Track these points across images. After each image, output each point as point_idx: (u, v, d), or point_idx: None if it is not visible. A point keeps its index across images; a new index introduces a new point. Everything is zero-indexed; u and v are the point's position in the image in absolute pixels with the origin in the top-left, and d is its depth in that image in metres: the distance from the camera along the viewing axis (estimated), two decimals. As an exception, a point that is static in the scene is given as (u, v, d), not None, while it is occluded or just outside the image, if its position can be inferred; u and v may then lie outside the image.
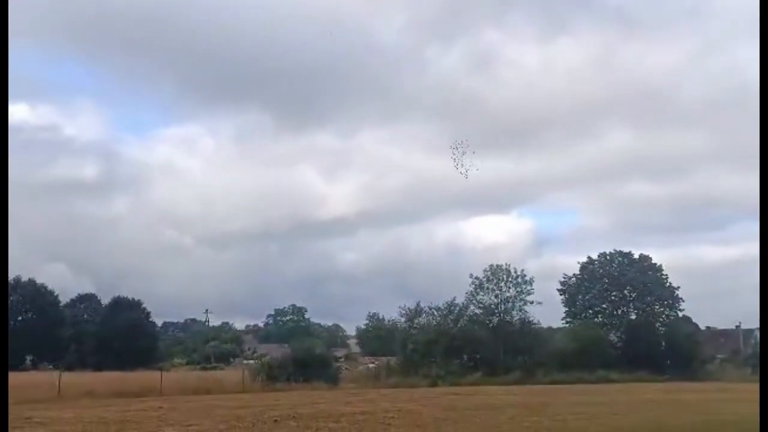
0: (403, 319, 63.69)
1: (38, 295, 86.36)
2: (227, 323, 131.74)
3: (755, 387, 27.20)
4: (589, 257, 73.19)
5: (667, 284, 70.07)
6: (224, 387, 42.43)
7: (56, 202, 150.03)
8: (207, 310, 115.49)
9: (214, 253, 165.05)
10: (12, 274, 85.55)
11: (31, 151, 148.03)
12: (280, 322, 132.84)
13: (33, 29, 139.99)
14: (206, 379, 46.64)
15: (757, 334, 77.29)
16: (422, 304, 61.87)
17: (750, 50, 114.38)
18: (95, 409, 27.53)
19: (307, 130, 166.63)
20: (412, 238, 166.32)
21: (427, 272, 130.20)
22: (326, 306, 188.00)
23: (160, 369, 54.55)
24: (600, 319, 69.98)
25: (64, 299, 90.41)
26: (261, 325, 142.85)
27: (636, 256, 72.05)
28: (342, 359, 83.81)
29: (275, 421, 22.81)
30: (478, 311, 62.23)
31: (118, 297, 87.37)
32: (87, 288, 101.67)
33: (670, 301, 69.80)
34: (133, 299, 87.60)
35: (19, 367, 74.97)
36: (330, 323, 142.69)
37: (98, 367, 68.42)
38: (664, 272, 70.74)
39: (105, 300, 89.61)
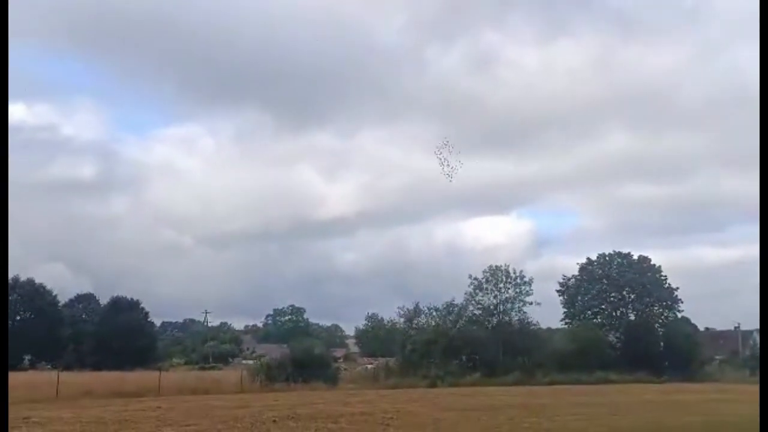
0: (402, 320, 63.80)
1: (37, 294, 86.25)
2: (226, 323, 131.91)
3: (754, 388, 27.25)
4: (588, 258, 73.37)
5: (666, 285, 70.11)
6: (223, 387, 42.37)
7: (55, 201, 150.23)
8: (206, 310, 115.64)
9: (213, 253, 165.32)
10: (10, 274, 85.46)
11: (30, 151, 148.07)
12: (279, 323, 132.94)
13: (31, 28, 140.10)
14: (205, 380, 46.58)
15: (756, 335, 77.39)
16: (421, 305, 62.01)
17: (749, 51, 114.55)
18: (93, 409, 27.48)
19: (306, 130, 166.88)
20: (411, 239, 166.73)
21: (427, 273, 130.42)
22: (325, 306, 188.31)
23: (159, 369, 54.47)
24: (599, 320, 70.00)
25: (62, 299, 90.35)
26: (260, 325, 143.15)
27: (635, 257, 72.13)
28: (341, 360, 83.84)
29: (274, 421, 22.78)
30: (477, 312, 62.25)
31: (117, 297, 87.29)
32: (86, 288, 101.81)
33: (669, 303, 69.84)
34: (131, 299, 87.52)
35: (18, 366, 74.88)
36: (329, 323, 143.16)
37: (97, 367, 68.31)
38: (663, 273, 70.84)
39: (104, 300, 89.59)
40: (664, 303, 69.88)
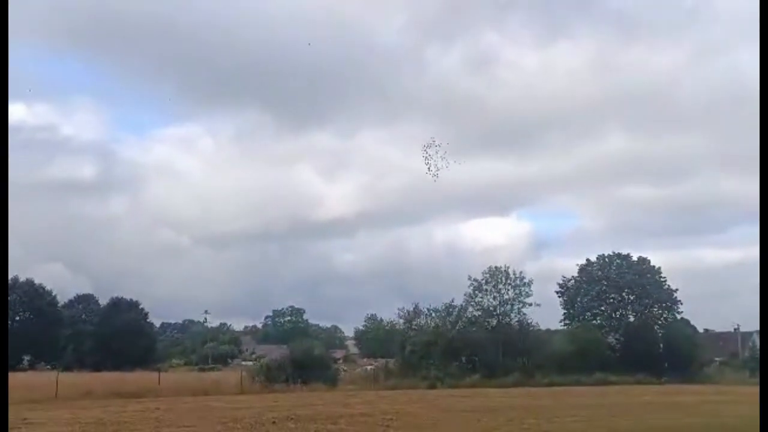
0: (401, 321, 63.69)
1: (36, 295, 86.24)
2: (225, 324, 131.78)
3: (753, 390, 27.23)
4: (587, 259, 73.32)
5: (666, 287, 70.08)
6: (222, 388, 42.34)
7: (54, 202, 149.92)
8: (205, 311, 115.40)
9: (212, 253, 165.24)
10: (10, 274, 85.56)
11: (29, 151, 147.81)
12: (279, 323, 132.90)
13: (31, 28, 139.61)
14: (204, 380, 46.61)
15: (756, 337, 77.35)
16: (421, 306, 61.91)
17: (749, 52, 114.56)
18: (93, 409, 27.48)
19: (306, 130, 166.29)
20: (411, 240, 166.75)
21: (426, 274, 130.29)
22: (325, 307, 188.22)
23: (158, 370, 54.45)
24: (598, 322, 69.95)
25: (62, 299, 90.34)
26: (259, 326, 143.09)
27: (634, 258, 72.10)
28: (340, 361, 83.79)
29: (273, 422, 22.78)
30: (476, 313, 62.19)
31: (117, 297, 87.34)
32: (85, 288, 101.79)
33: (669, 304, 69.79)
34: (131, 300, 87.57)
35: (17, 367, 74.85)
36: (328, 324, 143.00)
37: (96, 368, 68.33)
38: (662, 275, 70.80)
39: (103, 300, 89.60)
40: (664, 304, 69.84)
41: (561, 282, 72.34)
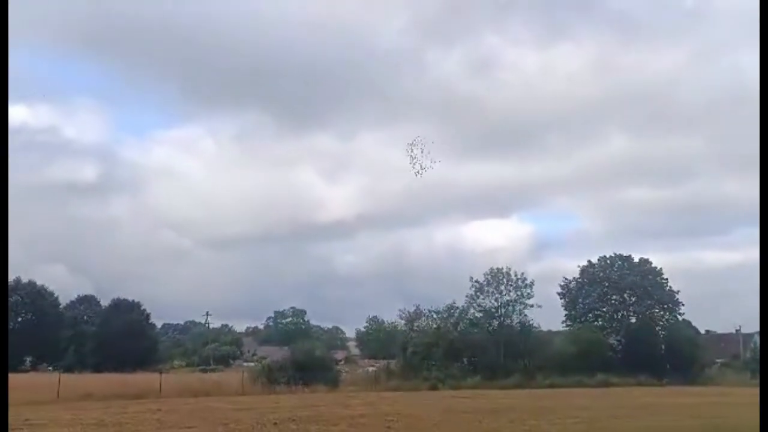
0: (402, 322, 63.72)
1: (38, 296, 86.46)
2: (227, 325, 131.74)
3: (755, 391, 27.16)
4: (589, 261, 73.22)
5: (667, 288, 69.98)
6: (224, 389, 42.35)
7: (56, 203, 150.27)
8: (207, 312, 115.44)
9: (214, 255, 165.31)
10: (12, 276, 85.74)
11: (31, 153, 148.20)
12: (280, 325, 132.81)
13: (33, 30, 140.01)
14: (206, 382, 46.63)
15: (757, 338, 77.24)
16: (422, 307, 61.89)
17: (750, 53, 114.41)
18: (94, 411, 27.49)
19: (307, 132, 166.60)
20: (412, 241, 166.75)
21: (427, 275, 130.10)
22: (326, 308, 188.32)
23: (160, 371, 54.52)
24: (600, 323, 69.87)
25: (63, 301, 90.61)
26: (261, 327, 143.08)
27: (636, 259, 72.02)
28: (342, 362, 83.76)
29: (275, 423, 22.80)
30: (478, 314, 62.11)
31: (118, 299, 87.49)
32: (86, 290, 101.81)
33: (670, 305, 69.69)
34: (132, 301, 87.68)
35: (19, 368, 75.00)
36: (330, 326, 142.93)
37: (97, 369, 68.44)
38: (663, 276, 70.69)
39: (105, 302, 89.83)
40: (665, 306, 69.74)
41: (562, 283, 72.34)
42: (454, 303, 61.58)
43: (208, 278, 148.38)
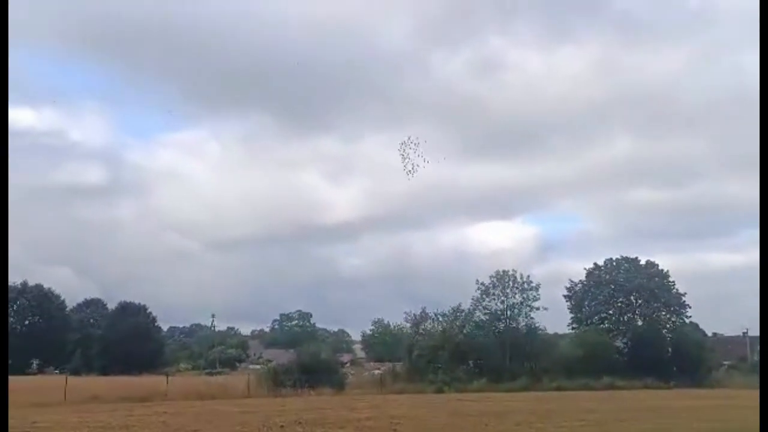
0: (408, 325, 63.62)
1: (45, 299, 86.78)
2: (233, 328, 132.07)
3: (763, 394, 27.02)
4: (595, 263, 72.96)
5: (674, 290, 69.70)
6: (230, 392, 42.42)
7: (62, 206, 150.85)
8: (213, 315, 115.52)
9: (219, 257, 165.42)
10: (19, 279, 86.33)
11: (37, 156, 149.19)
12: (286, 327, 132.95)
13: (39, 34, 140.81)
14: (212, 384, 46.66)
15: (766, 340, 76.84)
16: (428, 310, 61.72)
17: (754, 54, 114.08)
18: (100, 413, 27.57)
19: (311, 134, 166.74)
20: (416, 244, 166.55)
21: (432, 278, 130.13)
22: (331, 311, 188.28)
23: (166, 374, 54.53)
24: (606, 326, 69.62)
25: (70, 304, 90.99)
26: (267, 330, 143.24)
27: (642, 262, 71.77)
28: (347, 365, 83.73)
29: (281, 426, 22.84)
30: (483, 317, 62.00)
31: (124, 302, 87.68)
32: (93, 293, 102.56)
33: (677, 308, 69.42)
34: (138, 304, 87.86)
35: (26, 371, 75.36)
36: (335, 328, 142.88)
37: (104, 372, 68.65)
38: (670, 278, 70.36)
39: (111, 305, 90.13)
40: (672, 308, 69.46)
41: (568, 286, 72.10)
42: (460, 305, 61.50)
43: (213, 281, 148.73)
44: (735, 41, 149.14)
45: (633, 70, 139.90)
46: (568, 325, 71.34)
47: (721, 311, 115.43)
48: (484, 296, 61.77)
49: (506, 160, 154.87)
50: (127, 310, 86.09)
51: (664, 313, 69.71)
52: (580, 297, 71.15)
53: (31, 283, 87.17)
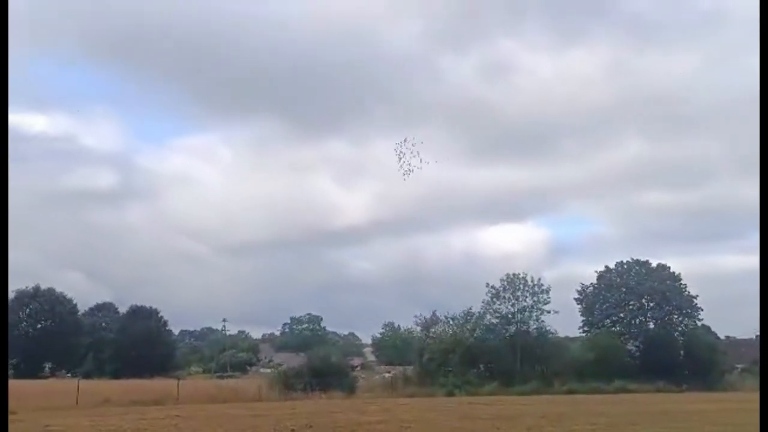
0: (418, 328, 63.72)
1: (57, 303, 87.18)
2: (244, 332, 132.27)
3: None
4: (606, 266, 72.70)
5: (686, 293, 69.37)
6: (241, 396, 42.51)
7: (74, 211, 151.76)
8: (224, 319, 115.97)
9: (230, 261, 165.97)
10: (31, 283, 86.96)
11: (49, 161, 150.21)
12: (297, 331, 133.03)
13: (51, 39, 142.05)
14: (223, 388, 46.77)
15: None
16: (438, 313, 61.86)
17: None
18: (112, 417, 27.68)
19: (321, 138, 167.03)
20: (427, 247, 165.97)
21: (443, 281, 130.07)
22: (341, 315, 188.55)
23: (177, 377, 54.74)
24: (618, 329, 69.34)
25: (82, 308, 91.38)
26: (277, 333, 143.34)
27: (654, 265, 71.46)
28: (358, 368, 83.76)
29: (292, 430, 22.87)
30: (494, 320, 61.91)
31: (136, 306, 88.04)
32: (104, 297, 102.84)
33: (689, 311, 69.08)
34: (150, 308, 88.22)
35: (38, 374, 75.75)
36: (346, 332, 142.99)
37: (116, 375, 68.89)
38: (682, 281, 70.05)
39: (122, 309, 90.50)
40: (684, 311, 69.13)
41: (579, 289, 71.91)
42: (471, 309, 61.54)
43: (224, 285, 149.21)
44: (746, 43, 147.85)
45: (644, 72, 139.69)
46: (579, 329, 71.21)
47: (733, 314, 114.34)
48: (494, 299, 61.71)
49: (517, 162, 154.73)
50: (139, 313, 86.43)
51: (676, 315, 69.38)
52: (591, 300, 70.88)
53: (44, 287, 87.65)
